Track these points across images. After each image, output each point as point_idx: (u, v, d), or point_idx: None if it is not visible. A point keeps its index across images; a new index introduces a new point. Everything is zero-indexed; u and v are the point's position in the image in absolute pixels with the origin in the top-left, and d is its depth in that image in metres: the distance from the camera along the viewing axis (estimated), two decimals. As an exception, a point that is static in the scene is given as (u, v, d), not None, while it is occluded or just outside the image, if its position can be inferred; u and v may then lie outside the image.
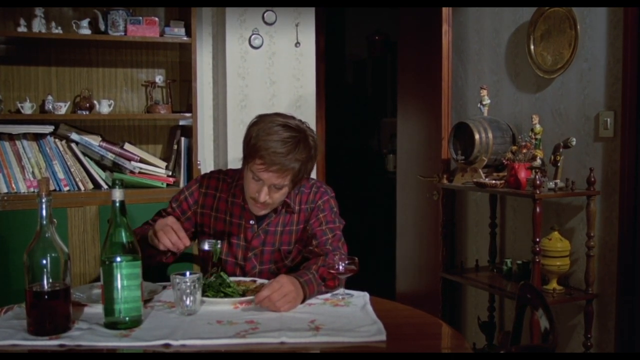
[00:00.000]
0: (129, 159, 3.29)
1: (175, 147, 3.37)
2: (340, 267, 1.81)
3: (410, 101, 4.01)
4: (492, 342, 3.31)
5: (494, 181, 2.98)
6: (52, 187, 3.10)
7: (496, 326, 3.40)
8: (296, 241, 2.07)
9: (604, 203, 2.78)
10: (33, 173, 3.10)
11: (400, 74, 4.14)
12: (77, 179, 3.17)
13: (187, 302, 1.65)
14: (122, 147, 3.32)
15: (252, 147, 1.86)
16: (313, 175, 3.63)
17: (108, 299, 1.53)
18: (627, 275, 2.68)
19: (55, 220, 1.55)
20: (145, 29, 3.22)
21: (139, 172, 3.28)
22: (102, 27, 3.23)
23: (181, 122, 3.47)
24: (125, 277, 1.52)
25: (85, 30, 3.16)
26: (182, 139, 3.36)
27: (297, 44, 3.63)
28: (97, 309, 1.62)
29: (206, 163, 3.70)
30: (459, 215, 3.73)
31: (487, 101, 3.22)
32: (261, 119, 1.92)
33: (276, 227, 2.05)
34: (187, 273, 1.67)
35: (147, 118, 3.42)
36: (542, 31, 3.03)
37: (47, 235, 1.50)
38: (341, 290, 1.85)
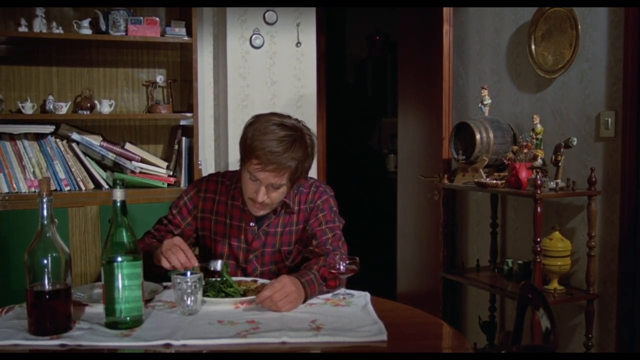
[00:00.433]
0: (130, 159, 3.29)
1: (176, 147, 3.38)
2: (341, 267, 1.80)
3: (411, 101, 4.00)
4: (493, 342, 3.31)
5: (494, 181, 2.98)
6: (53, 187, 3.10)
7: (497, 326, 3.40)
8: (296, 241, 2.07)
9: (605, 203, 2.78)
10: (34, 173, 3.11)
11: (401, 74, 4.13)
12: (78, 179, 3.18)
13: (188, 302, 1.64)
14: (123, 147, 3.32)
15: (248, 147, 1.86)
16: (314, 175, 3.64)
17: (109, 299, 1.53)
18: (628, 275, 2.68)
19: (56, 220, 1.54)
20: (146, 28, 3.22)
21: (140, 172, 3.29)
22: (103, 27, 3.24)
23: (182, 122, 3.47)
24: (126, 277, 1.52)
25: (86, 30, 3.17)
26: (183, 139, 3.37)
27: (298, 43, 3.63)
28: (98, 308, 1.62)
29: (207, 163, 3.70)
30: (460, 215, 3.73)
31: (488, 101, 3.21)
32: (257, 119, 1.91)
33: (276, 228, 2.05)
34: (188, 273, 1.67)
35: (148, 118, 3.43)
36: (543, 31, 3.03)
37: (48, 235, 1.50)
38: (342, 290, 1.85)
